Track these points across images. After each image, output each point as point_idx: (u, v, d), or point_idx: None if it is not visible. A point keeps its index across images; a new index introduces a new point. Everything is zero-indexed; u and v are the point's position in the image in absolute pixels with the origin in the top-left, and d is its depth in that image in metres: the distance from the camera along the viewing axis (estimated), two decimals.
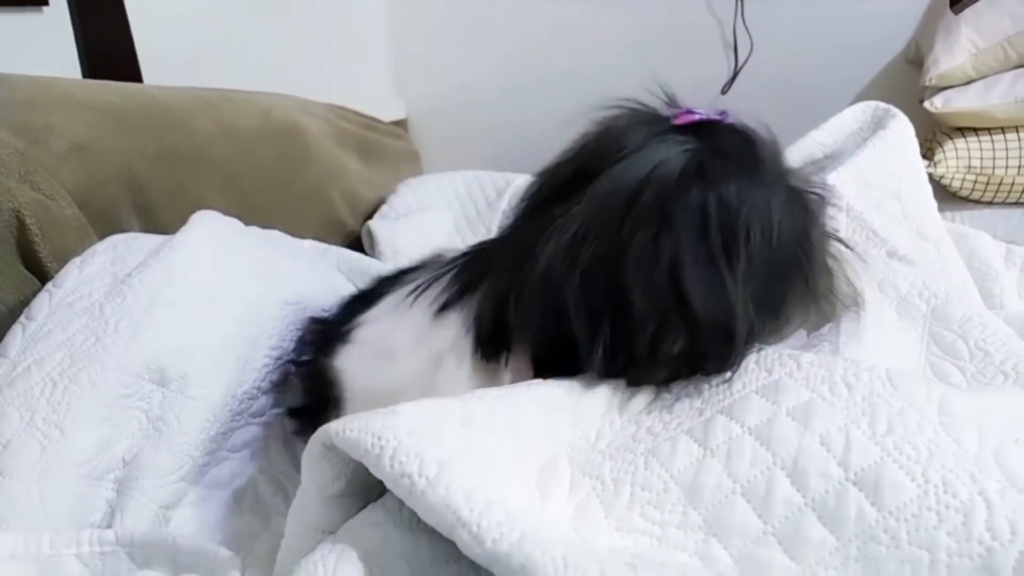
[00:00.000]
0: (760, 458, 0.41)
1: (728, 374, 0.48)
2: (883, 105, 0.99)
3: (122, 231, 0.83)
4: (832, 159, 0.97)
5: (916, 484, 0.37)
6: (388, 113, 1.87)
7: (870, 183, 0.86)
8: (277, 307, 0.76)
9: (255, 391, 0.70)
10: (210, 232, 0.78)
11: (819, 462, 0.40)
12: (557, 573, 0.33)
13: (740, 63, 1.69)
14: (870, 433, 0.40)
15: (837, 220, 0.81)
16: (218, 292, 0.72)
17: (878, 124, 0.96)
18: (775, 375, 0.46)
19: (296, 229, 1.07)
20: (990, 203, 1.29)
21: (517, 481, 0.42)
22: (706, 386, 0.47)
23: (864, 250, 0.75)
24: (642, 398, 0.49)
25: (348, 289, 0.94)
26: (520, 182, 1.38)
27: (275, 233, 0.94)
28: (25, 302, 0.68)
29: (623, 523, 0.42)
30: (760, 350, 0.50)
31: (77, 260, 0.72)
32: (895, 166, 0.90)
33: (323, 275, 0.91)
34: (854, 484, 0.38)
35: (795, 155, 0.98)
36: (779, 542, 0.39)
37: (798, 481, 0.39)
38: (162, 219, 0.93)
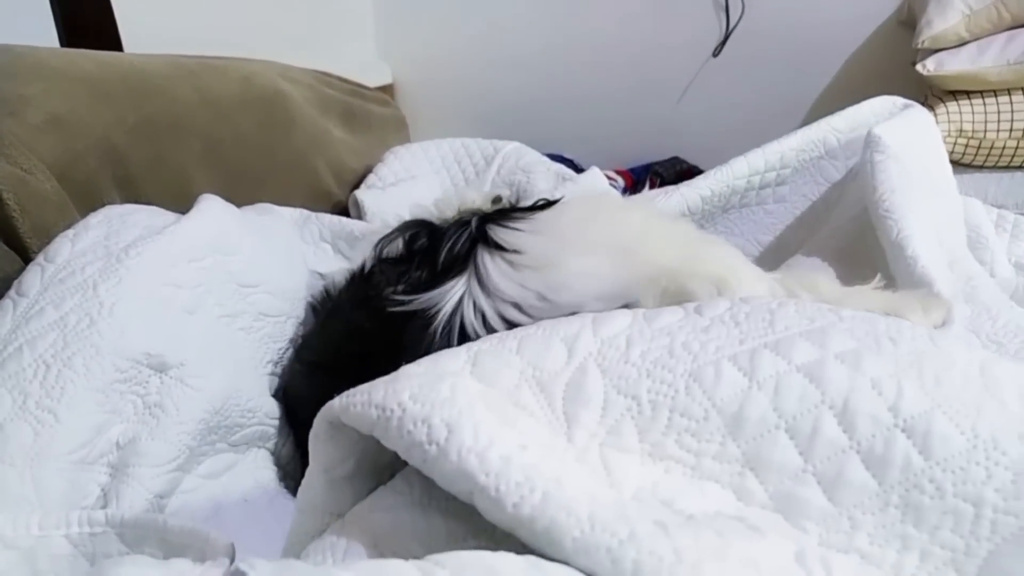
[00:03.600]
0: (809, 395, 0.40)
1: (768, 313, 0.46)
2: (902, 100, 0.99)
3: (103, 204, 0.81)
4: (845, 147, 0.97)
5: (966, 438, 0.37)
6: (374, 79, 1.83)
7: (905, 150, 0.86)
8: (253, 318, 0.75)
9: (257, 395, 0.70)
10: (212, 222, 0.76)
11: (870, 405, 0.39)
12: (584, 535, 0.32)
13: (732, 25, 1.66)
14: (919, 384, 0.39)
15: (885, 165, 0.81)
16: (214, 287, 0.71)
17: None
18: (818, 323, 0.44)
19: (282, 200, 1.06)
20: (980, 167, 1.28)
21: (539, 413, 0.41)
22: (743, 317, 0.46)
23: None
24: (669, 316, 0.47)
25: (334, 264, 0.94)
26: (509, 149, 1.37)
27: (266, 216, 0.93)
28: (7, 279, 0.66)
29: (657, 449, 0.40)
30: (798, 301, 0.48)
31: (70, 233, 0.70)
32: (919, 143, 0.90)
33: (306, 270, 0.90)
34: (903, 431, 0.38)
35: (808, 137, 0.97)
36: (819, 482, 0.38)
37: (846, 422, 0.39)
38: (143, 191, 0.91)
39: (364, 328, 0.68)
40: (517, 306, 0.62)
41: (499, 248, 0.65)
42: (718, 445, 0.40)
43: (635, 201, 1.05)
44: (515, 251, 0.65)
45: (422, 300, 0.64)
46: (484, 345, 0.45)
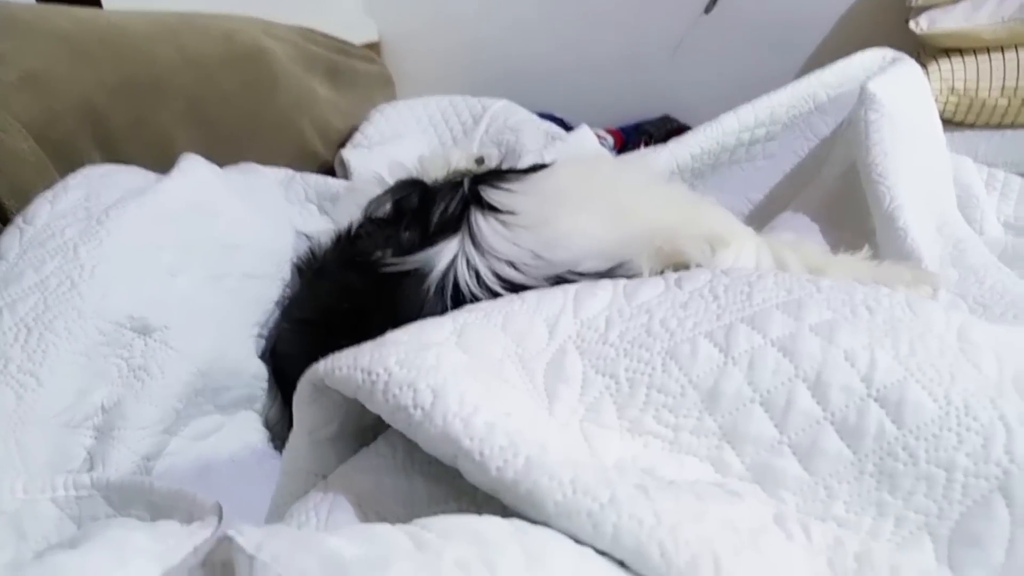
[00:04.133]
0: (783, 369, 0.41)
1: (746, 285, 0.46)
2: (893, 52, 0.98)
3: (83, 165, 0.79)
4: (835, 101, 0.96)
5: (938, 405, 0.38)
6: (359, 35, 1.79)
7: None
8: (238, 280, 0.74)
9: (244, 358, 0.69)
10: (195, 183, 0.75)
11: (843, 376, 0.40)
12: (566, 499, 0.33)
13: None
14: (893, 353, 0.40)
15: (880, 125, 0.80)
16: (197, 249, 0.70)
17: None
18: (795, 294, 0.45)
19: (267, 159, 1.04)
20: (972, 125, 1.27)
21: (522, 387, 0.42)
22: (721, 290, 0.46)
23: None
24: (649, 289, 0.48)
25: (320, 225, 0.93)
26: (497, 107, 1.35)
27: (250, 176, 0.92)
28: None
29: (636, 425, 0.42)
30: (776, 272, 0.49)
31: (49, 194, 0.69)
32: (911, 100, 0.90)
33: (291, 231, 0.88)
34: (876, 400, 0.39)
35: (798, 93, 0.96)
36: (794, 452, 0.39)
37: (819, 394, 0.40)
38: (124, 151, 0.89)
39: (354, 287, 0.68)
40: (512, 264, 0.61)
41: (492, 209, 0.65)
42: (695, 420, 0.41)
43: (628, 162, 1.04)
44: (509, 212, 0.64)
45: (415, 260, 0.64)
46: (470, 317, 0.45)
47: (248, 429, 0.70)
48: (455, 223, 0.65)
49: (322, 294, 0.74)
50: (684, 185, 0.96)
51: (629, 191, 0.70)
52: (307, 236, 0.85)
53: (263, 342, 0.76)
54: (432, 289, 0.61)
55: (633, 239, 0.61)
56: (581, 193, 0.68)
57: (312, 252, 0.80)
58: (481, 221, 0.64)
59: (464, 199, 0.67)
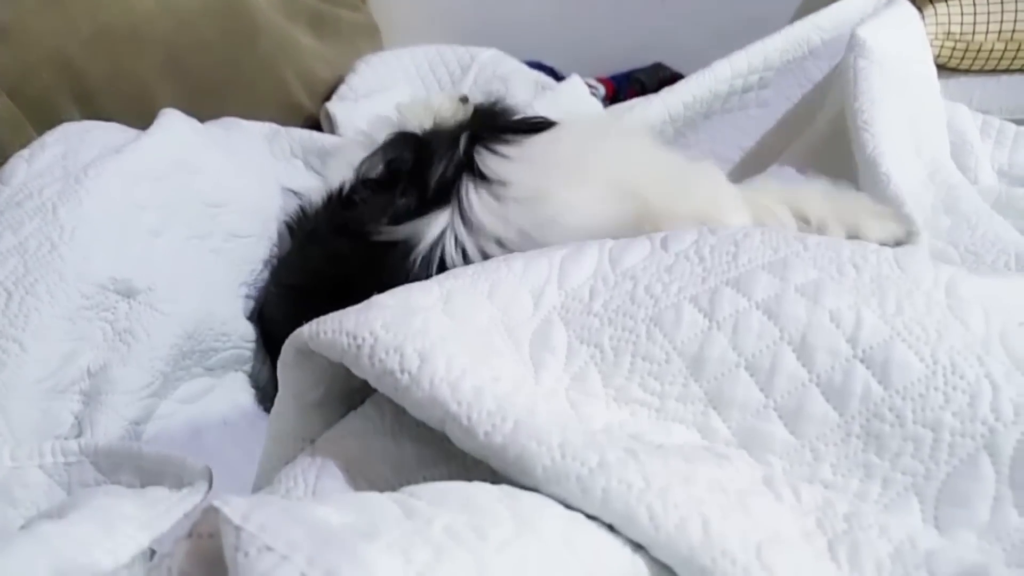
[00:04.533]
0: (767, 332, 0.40)
1: (732, 245, 0.46)
2: None
3: (60, 121, 0.77)
4: (829, 45, 0.94)
5: (924, 364, 0.38)
6: None
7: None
8: (223, 239, 0.73)
9: (231, 319, 0.69)
10: (174, 139, 0.73)
11: (828, 338, 0.39)
12: (555, 463, 0.33)
13: None
14: (880, 312, 0.40)
15: (869, 72, 0.79)
16: (180, 208, 0.68)
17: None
18: (781, 253, 0.45)
19: (250, 113, 1.02)
20: (967, 71, 1.25)
21: (508, 355, 0.41)
22: (707, 251, 0.46)
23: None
24: (635, 252, 0.47)
25: (307, 181, 0.91)
26: (486, 56, 1.32)
27: (233, 131, 0.90)
28: None
29: (621, 393, 0.41)
30: (764, 229, 0.48)
31: (25, 153, 0.68)
32: (904, 45, 0.88)
33: (277, 188, 0.87)
34: (862, 361, 0.38)
35: (791, 37, 0.94)
36: (780, 416, 0.39)
37: (804, 356, 0.39)
38: (103, 105, 0.87)
39: (344, 253, 0.67)
40: (500, 242, 0.61)
41: (484, 179, 0.64)
42: (680, 386, 0.41)
43: (633, 129, 1.01)
44: (501, 182, 0.63)
45: (404, 230, 0.63)
46: (456, 283, 0.44)
47: (237, 390, 0.70)
48: (449, 189, 0.64)
49: (312, 259, 0.73)
50: (680, 154, 0.95)
51: (632, 164, 0.68)
52: (296, 194, 0.84)
53: (251, 303, 0.76)
54: (418, 262, 0.61)
55: (628, 222, 0.60)
56: (582, 164, 0.66)
57: (303, 211, 0.78)
58: (472, 194, 0.63)
59: (459, 162, 0.65)
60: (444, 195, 0.64)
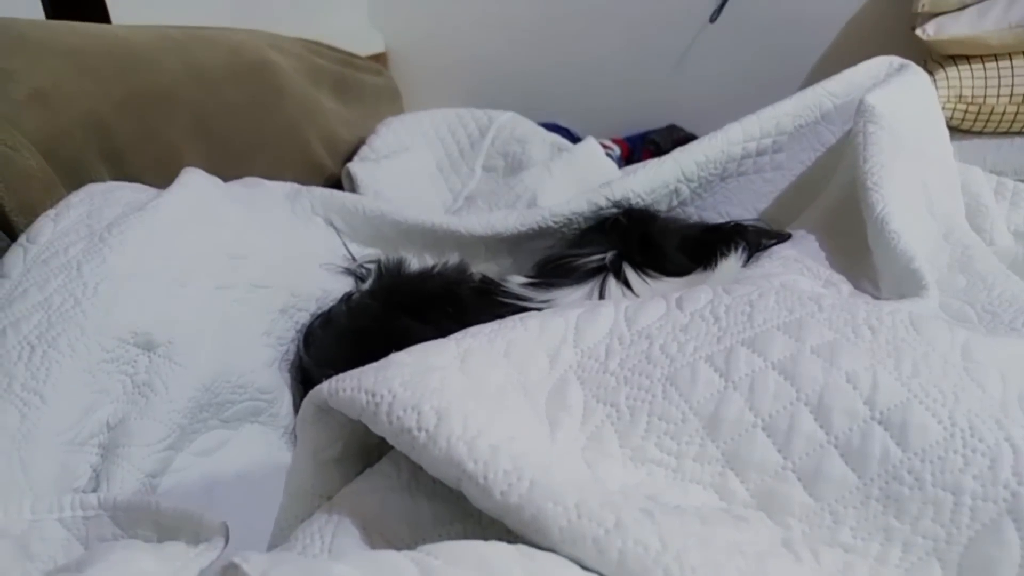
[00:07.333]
0: (784, 393, 0.40)
1: (747, 306, 0.46)
2: (899, 60, 0.97)
3: (91, 180, 0.80)
4: (841, 110, 0.95)
5: (943, 427, 0.37)
6: (365, 47, 1.80)
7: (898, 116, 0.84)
8: (246, 290, 0.74)
9: (248, 371, 0.70)
10: (196, 194, 0.75)
11: (845, 399, 0.39)
12: (571, 524, 0.32)
13: None
14: (896, 374, 0.40)
15: (878, 137, 0.80)
16: (199, 263, 0.70)
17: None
18: (796, 314, 0.45)
19: (274, 173, 1.04)
20: (980, 133, 1.27)
21: (525, 413, 0.41)
22: (722, 311, 0.46)
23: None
24: (651, 312, 0.48)
25: (326, 240, 0.92)
26: (504, 119, 1.35)
27: (255, 189, 0.92)
28: None
29: (638, 453, 0.41)
30: (779, 290, 0.49)
31: (52, 213, 0.69)
32: (915, 109, 0.89)
33: (301, 245, 0.89)
34: (880, 423, 0.38)
35: (803, 102, 0.96)
36: (799, 478, 0.38)
37: (822, 418, 0.39)
38: (132, 165, 0.90)
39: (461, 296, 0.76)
40: None
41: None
42: (697, 447, 0.41)
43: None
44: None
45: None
46: (474, 342, 0.45)
47: (253, 443, 0.70)
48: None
49: (427, 289, 0.83)
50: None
51: None
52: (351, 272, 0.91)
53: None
54: None
55: None
56: None
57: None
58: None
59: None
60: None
